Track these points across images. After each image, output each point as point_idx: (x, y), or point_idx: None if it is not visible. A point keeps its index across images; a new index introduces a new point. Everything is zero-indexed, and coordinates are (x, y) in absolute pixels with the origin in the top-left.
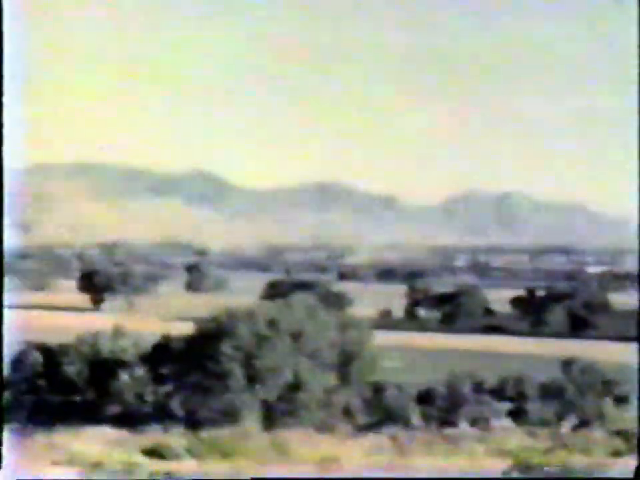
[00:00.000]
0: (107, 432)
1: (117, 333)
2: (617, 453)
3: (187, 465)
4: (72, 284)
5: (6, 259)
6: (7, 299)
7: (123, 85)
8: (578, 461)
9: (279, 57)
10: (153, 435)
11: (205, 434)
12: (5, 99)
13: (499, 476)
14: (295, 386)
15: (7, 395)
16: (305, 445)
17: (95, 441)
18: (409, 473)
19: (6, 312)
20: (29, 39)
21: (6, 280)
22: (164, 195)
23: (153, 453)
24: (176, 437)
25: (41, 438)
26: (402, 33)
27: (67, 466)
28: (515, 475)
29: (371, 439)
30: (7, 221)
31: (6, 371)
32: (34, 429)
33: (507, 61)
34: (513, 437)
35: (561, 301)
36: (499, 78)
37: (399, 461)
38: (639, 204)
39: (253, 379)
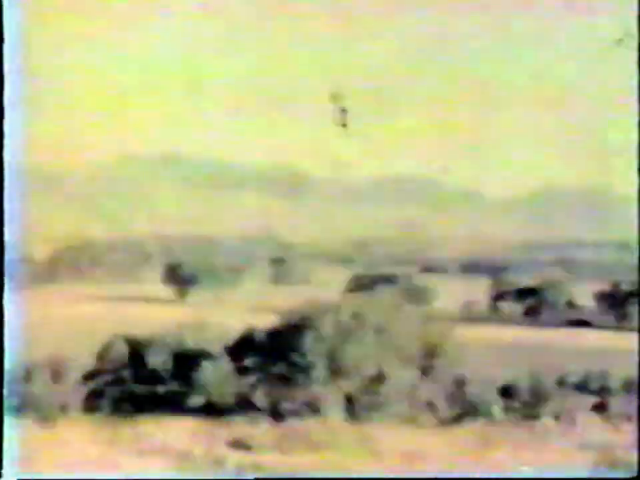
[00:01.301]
0: (192, 423)
1: (202, 324)
2: None
3: (272, 457)
4: (157, 276)
5: (93, 251)
6: (94, 291)
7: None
8: None
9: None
10: (238, 426)
11: (289, 426)
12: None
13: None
14: (379, 379)
15: (92, 385)
16: (389, 438)
17: (180, 432)
18: (494, 467)
19: (93, 304)
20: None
21: (94, 272)
22: (247, 187)
23: (238, 444)
24: (261, 429)
25: (126, 429)
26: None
27: (153, 456)
28: (601, 469)
29: (455, 432)
30: (92, 213)
31: (91, 361)
32: (119, 420)
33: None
34: (597, 431)
35: None
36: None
37: (484, 455)
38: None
39: (336, 372)
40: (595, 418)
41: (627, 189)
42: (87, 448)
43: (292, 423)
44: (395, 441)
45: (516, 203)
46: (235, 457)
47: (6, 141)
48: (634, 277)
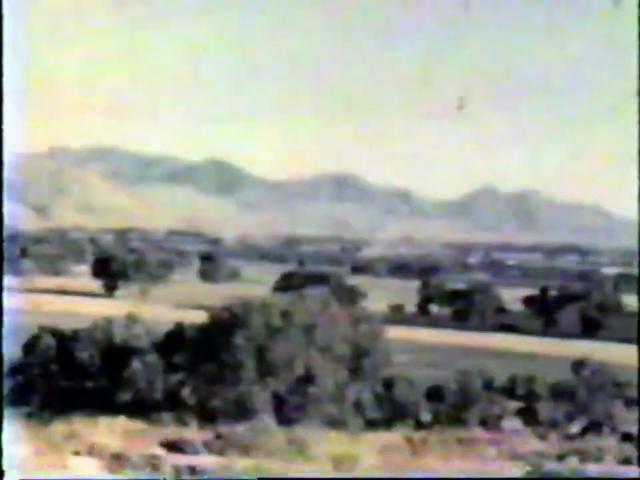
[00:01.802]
0: (124, 423)
1: (131, 319)
2: (626, 460)
3: (206, 460)
4: (86, 269)
5: (21, 243)
6: (21, 282)
7: (137, 73)
8: (590, 468)
9: (299, 47)
10: (171, 427)
11: (222, 429)
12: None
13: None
14: (307, 379)
15: (19, 378)
16: (319, 442)
17: (112, 432)
18: (425, 474)
19: (19, 296)
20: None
21: (22, 263)
22: (179, 182)
23: (172, 446)
24: (194, 431)
25: (60, 426)
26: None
27: (88, 456)
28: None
29: (384, 437)
30: (21, 204)
31: (19, 354)
32: (50, 416)
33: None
34: (524, 439)
35: (574, 301)
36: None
37: (414, 462)
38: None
39: (264, 370)
40: (520, 424)
41: (558, 196)
42: (20, 446)
43: (224, 426)
44: (324, 444)
45: (449, 205)
46: (170, 459)
47: None
48: (561, 283)
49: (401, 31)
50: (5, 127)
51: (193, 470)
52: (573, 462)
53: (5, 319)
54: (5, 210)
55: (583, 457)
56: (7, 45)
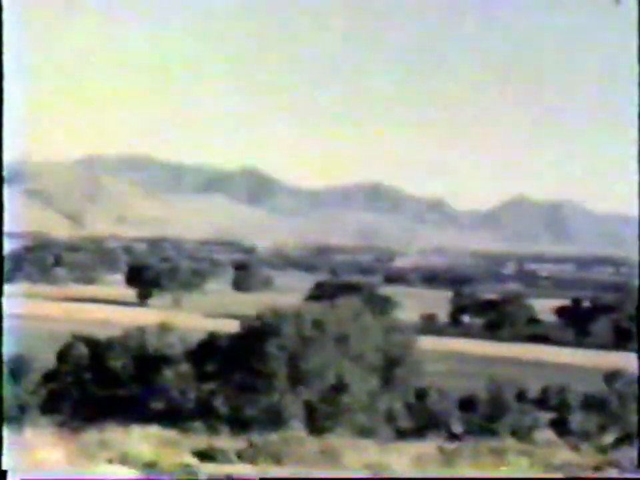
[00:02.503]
0: (157, 431)
1: (164, 328)
2: None
3: (239, 469)
4: (119, 278)
5: (55, 251)
6: (55, 290)
7: (167, 82)
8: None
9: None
10: (203, 436)
11: (255, 438)
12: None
13: None
14: (339, 388)
15: (52, 386)
16: (351, 451)
17: (146, 440)
18: None
19: (53, 304)
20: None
21: (56, 271)
22: (212, 191)
23: (204, 455)
24: (227, 440)
25: (92, 434)
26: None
27: (120, 465)
28: None
29: (416, 447)
30: (55, 213)
31: (52, 362)
32: (83, 424)
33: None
34: (556, 450)
35: (607, 312)
36: (548, 86)
37: (446, 472)
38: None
39: (297, 379)
40: (552, 435)
41: (593, 207)
42: (52, 453)
43: (257, 435)
44: (357, 453)
45: (482, 215)
46: (202, 468)
47: None
48: (594, 294)
49: (440, 45)
50: (35, 136)
51: (227, 479)
52: (611, 473)
53: (39, 326)
54: (40, 218)
55: (618, 468)
56: (36, 55)
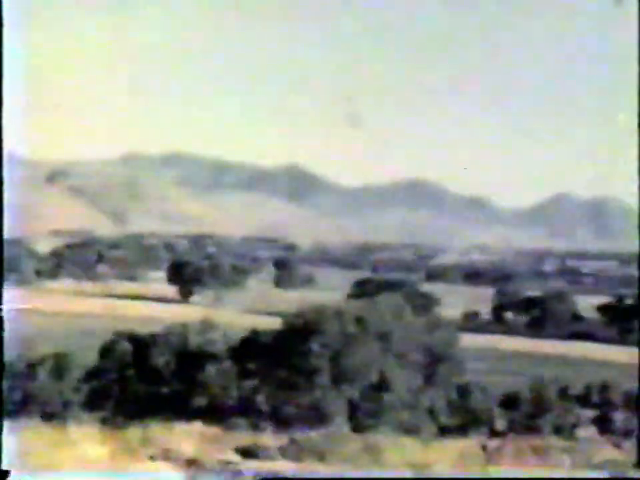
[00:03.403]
0: (199, 428)
1: (206, 325)
2: None
3: (281, 466)
4: (161, 274)
5: (98, 248)
6: (97, 287)
7: (207, 78)
8: None
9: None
10: (246, 433)
11: (297, 435)
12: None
13: None
14: (381, 386)
15: (95, 383)
16: (394, 448)
17: (189, 437)
18: None
19: (97, 301)
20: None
21: (98, 268)
22: (253, 188)
23: (247, 452)
24: (269, 437)
25: (135, 431)
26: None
27: (163, 461)
28: None
29: (458, 445)
30: (97, 210)
31: (95, 358)
32: (125, 421)
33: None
34: (599, 448)
35: None
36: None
37: (488, 470)
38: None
39: (339, 377)
40: (596, 433)
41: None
42: (94, 449)
43: (299, 432)
44: (399, 451)
45: (524, 212)
46: (245, 465)
47: (8, 133)
48: (637, 291)
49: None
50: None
51: (271, 476)
52: None
53: (82, 323)
54: (83, 216)
55: None
56: (76, 54)
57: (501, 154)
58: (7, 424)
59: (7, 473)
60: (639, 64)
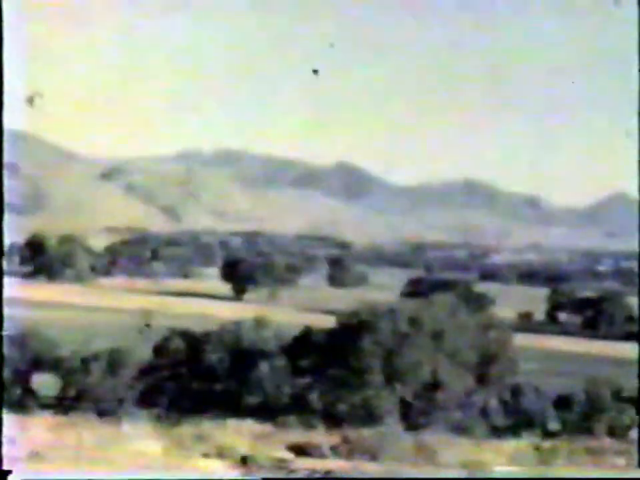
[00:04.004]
0: (252, 425)
1: (259, 323)
2: None
3: (334, 464)
4: (215, 272)
5: (152, 245)
6: (152, 284)
7: (262, 76)
8: None
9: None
10: (298, 431)
11: (349, 433)
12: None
13: None
14: (434, 385)
15: (149, 379)
16: (446, 448)
17: (242, 434)
18: None
19: (151, 298)
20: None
21: (153, 265)
22: (307, 186)
23: (299, 450)
24: (321, 435)
25: (189, 428)
26: None
27: (217, 458)
28: None
29: (511, 445)
30: (152, 207)
31: (149, 355)
32: (179, 418)
33: None
34: None
35: None
36: None
37: (542, 470)
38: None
39: (391, 376)
40: None
41: None
42: (148, 446)
43: (352, 431)
44: (452, 451)
45: (578, 211)
46: (297, 463)
47: (66, 133)
48: None
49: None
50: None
51: (324, 474)
52: None
53: (137, 319)
54: (139, 213)
55: None
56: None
57: (556, 153)
58: (61, 419)
59: (7, 472)
60: None
